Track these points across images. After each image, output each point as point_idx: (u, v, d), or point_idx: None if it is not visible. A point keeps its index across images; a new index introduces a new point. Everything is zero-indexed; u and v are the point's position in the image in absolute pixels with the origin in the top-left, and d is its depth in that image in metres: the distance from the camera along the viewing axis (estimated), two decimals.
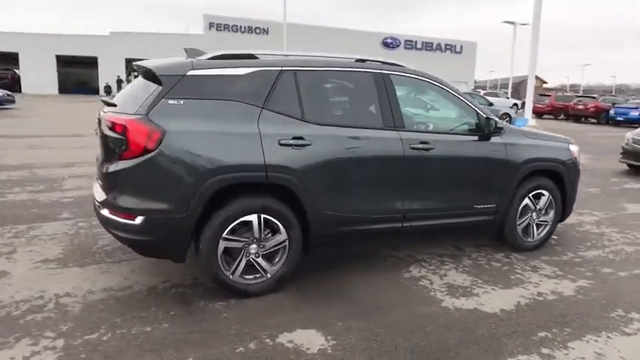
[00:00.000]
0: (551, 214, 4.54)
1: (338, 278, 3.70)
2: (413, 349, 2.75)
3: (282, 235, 3.31)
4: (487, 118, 4.01)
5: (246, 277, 3.28)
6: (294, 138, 3.25)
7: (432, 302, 3.36)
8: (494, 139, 4.08)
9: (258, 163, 3.13)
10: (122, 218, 3.02)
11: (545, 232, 4.55)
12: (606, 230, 5.32)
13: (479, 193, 4.09)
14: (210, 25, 41.55)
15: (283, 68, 3.37)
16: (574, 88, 79.59)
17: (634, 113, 22.68)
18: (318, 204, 3.35)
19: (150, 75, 3.16)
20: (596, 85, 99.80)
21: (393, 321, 3.07)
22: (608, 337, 2.98)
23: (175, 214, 2.99)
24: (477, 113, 4.06)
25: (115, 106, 3.26)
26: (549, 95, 31.22)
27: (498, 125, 4.01)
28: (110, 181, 3.08)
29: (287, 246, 3.35)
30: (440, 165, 3.84)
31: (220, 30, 41.76)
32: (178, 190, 2.99)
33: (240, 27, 42.64)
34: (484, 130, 4.00)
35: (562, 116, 28.57)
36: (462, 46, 54.52)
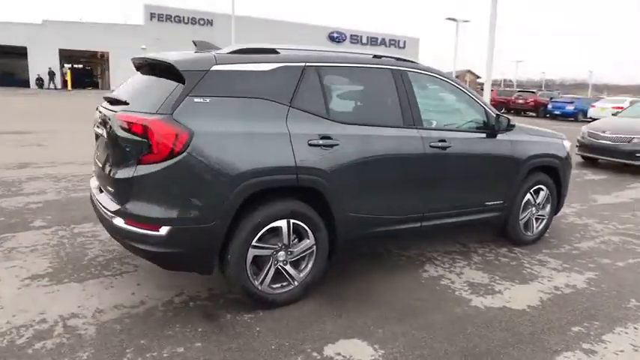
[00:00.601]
0: (548, 208, 4.68)
1: (358, 281, 3.58)
2: (464, 354, 2.69)
3: (310, 241, 3.15)
4: (497, 115, 4.03)
5: (273, 286, 3.09)
6: (323, 138, 3.09)
7: (461, 302, 3.33)
8: (500, 137, 4.11)
9: (289, 165, 2.94)
10: (143, 229, 2.72)
11: (542, 225, 4.68)
12: (588, 221, 5.58)
13: (489, 190, 4.12)
14: (152, 15, 39.72)
15: (307, 64, 3.18)
16: (507, 83, 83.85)
17: (569, 107, 24.24)
18: (345, 206, 3.22)
19: (168, 69, 2.87)
20: (525, 80, 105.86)
21: (432, 324, 3.01)
22: (635, 327, 3.08)
23: (205, 223, 2.74)
24: (486, 110, 4.07)
25: (126, 103, 2.94)
26: (492, 90, 32.63)
27: (511, 123, 4.05)
28: (126, 188, 2.77)
29: (314, 251, 3.19)
30: (455, 163, 3.82)
31: (162, 20, 40.06)
32: (208, 197, 2.75)
33: (183, 18, 41.14)
34: (494, 127, 4.03)
35: (503, 110, 29.96)
36: (405, 42, 55.91)
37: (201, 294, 3.28)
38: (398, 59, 3.73)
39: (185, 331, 2.80)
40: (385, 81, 3.54)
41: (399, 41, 55.94)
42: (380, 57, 3.65)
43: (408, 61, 3.78)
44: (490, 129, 4.04)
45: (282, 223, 3.00)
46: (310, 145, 3.04)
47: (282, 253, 3.07)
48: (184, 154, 2.65)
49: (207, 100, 2.78)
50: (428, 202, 3.70)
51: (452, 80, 3.98)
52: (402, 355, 2.65)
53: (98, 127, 3.27)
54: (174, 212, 2.70)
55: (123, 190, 2.80)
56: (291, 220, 3.03)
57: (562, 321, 3.12)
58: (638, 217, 5.87)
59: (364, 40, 54.14)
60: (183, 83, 2.76)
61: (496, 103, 30.11)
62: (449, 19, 38.07)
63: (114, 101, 3.11)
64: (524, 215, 4.48)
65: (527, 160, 4.28)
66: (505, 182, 4.20)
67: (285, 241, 3.05)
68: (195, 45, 3.36)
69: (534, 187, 4.47)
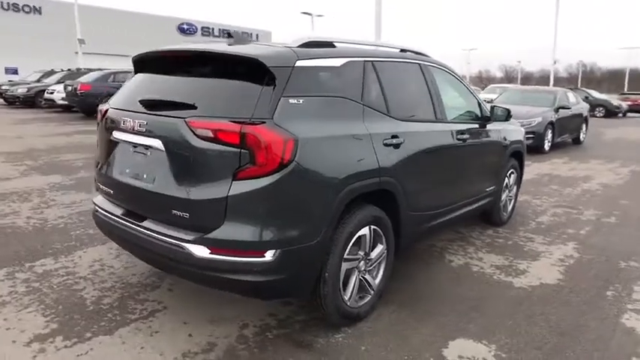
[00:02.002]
0: (515, 189, 5.17)
1: (400, 281, 3.50)
2: (557, 332, 2.85)
3: (384, 245, 3.00)
4: (492, 106, 4.30)
5: (356, 298, 2.88)
6: (393, 137, 2.95)
7: (508, 286, 3.51)
8: (491, 126, 4.39)
9: (374, 167, 2.75)
10: (244, 256, 2.28)
11: (511, 205, 5.17)
12: (525, 198, 6.30)
13: (488, 177, 4.40)
14: None
15: (366, 59, 2.99)
16: None
17: None
18: (407, 205, 3.13)
19: (243, 65, 2.42)
20: None
21: (505, 311, 3.12)
22: None
23: (311, 240, 2.41)
24: (479, 102, 4.31)
25: (192, 107, 2.40)
26: None
27: (510, 114, 4.35)
28: (215, 210, 2.28)
29: (386, 256, 3.05)
30: (471, 153, 3.99)
31: None
32: (313, 210, 2.42)
33: (2, 3, 34.89)
34: (489, 118, 4.28)
35: None
36: (257, 35, 55.82)
37: (267, 321, 2.89)
38: (417, 53, 3.73)
39: None
40: (418, 75, 3.52)
41: (251, 34, 55.57)
42: (406, 51, 3.61)
43: (424, 54, 3.79)
44: (486, 119, 4.29)
45: (366, 231, 2.80)
46: (385, 145, 2.88)
47: (362, 262, 2.87)
48: (293, 164, 2.29)
49: (301, 101, 2.43)
50: (455, 193, 3.80)
51: (455, 73, 4.12)
52: (511, 347, 2.69)
53: (126, 134, 2.63)
54: (280, 232, 2.32)
55: (208, 213, 2.30)
56: (372, 226, 2.85)
57: (593, 289, 3.50)
58: (556, 190, 6.84)
59: (216, 33, 52.61)
60: (273, 82, 2.36)
61: None
62: (304, 13, 39.14)
63: (157, 104, 2.53)
64: (503, 198, 4.89)
65: (509, 147, 4.67)
66: (496, 169, 4.53)
67: (367, 249, 2.86)
68: (231, 36, 2.90)
69: (509, 171, 4.89)
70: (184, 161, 2.37)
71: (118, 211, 2.74)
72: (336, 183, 2.49)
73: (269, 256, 2.29)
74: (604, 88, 60.67)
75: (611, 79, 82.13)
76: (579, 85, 49.43)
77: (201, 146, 2.29)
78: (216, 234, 2.28)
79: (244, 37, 2.92)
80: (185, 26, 48.22)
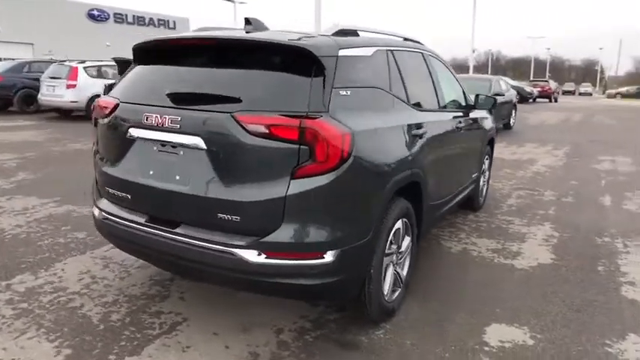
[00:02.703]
0: (487, 174, 5.40)
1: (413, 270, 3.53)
2: (574, 309, 3.02)
3: (410, 237, 2.99)
4: (477, 95, 4.42)
5: (390, 292, 2.84)
6: (417, 127, 2.93)
7: (511, 269, 3.65)
8: (473, 114, 4.52)
9: (408, 158, 2.72)
10: (303, 259, 2.14)
11: (485, 189, 5.39)
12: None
13: (473, 164, 4.53)
14: None
15: (387, 48, 2.93)
16: None
17: None
18: (428, 195, 3.14)
19: (293, 54, 2.25)
20: None
21: (519, 293, 3.25)
22: (625, 258, 3.92)
23: (364, 237, 2.34)
24: (463, 90, 4.42)
25: (237, 100, 2.18)
26: None
27: (496, 102, 4.50)
28: (271, 212, 2.11)
29: (410, 247, 3.03)
30: (465, 140, 4.09)
31: None
32: (366, 206, 2.35)
33: None
34: (474, 106, 4.40)
35: None
36: (175, 22, 53.37)
37: (301, 324, 2.76)
38: (414, 41, 3.72)
39: None
40: (423, 65, 3.53)
41: (168, 21, 53.03)
42: (408, 40, 3.58)
43: (421, 43, 3.80)
44: (470, 108, 4.40)
45: (400, 224, 2.77)
46: (413, 135, 2.85)
47: (394, 256, 2.83)
48: (351, 159, 2.18)
49: (348, 93, 2.32)
50: (456, 180, 3.90)
51: (444, 61, 4.18)
52: (543, 328, 2.80)
53: (149, 131, 2.34)
54: (339, 231, 2.21)
55: (264, 216, 2.13)
56: (404, 219, 2.82)
57: (585, 265, 3.74)
58: (510, 173, 7.26)
59: (130, 19, 49.48)
60: (323, 72, 2.22)
61: None
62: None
63: (193, 98, 2.28)
64: (481, 183, 5.08)
65: (486, 134, 4.85)
66: (479, 156, 4.68)
67: (399, 242, 2.83)
68: (250, 23, 2.69)
69: (486, 157, 5.09)
70: (231, 160, 2.16)
71: (140, 218, 2.45)
72: (385, 177, 2.43)
73: (329, 257, 2.18)
74: (509, 75, 65.63)
75: (516, 67, 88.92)
76: (489, 73, 52.98)
77: (253, 143, 2.10)
78: (274, 237, 2.12)
79: (262, 24, 2.72)
80: (96, 12, 44.75)
